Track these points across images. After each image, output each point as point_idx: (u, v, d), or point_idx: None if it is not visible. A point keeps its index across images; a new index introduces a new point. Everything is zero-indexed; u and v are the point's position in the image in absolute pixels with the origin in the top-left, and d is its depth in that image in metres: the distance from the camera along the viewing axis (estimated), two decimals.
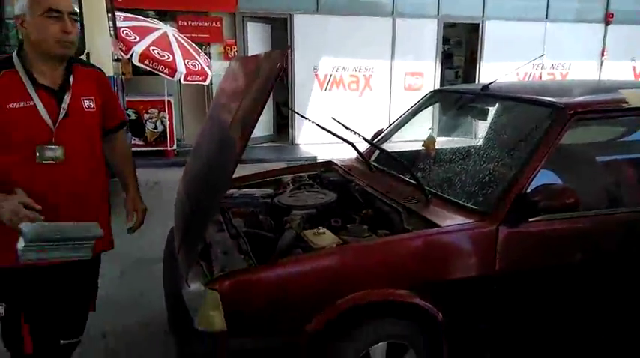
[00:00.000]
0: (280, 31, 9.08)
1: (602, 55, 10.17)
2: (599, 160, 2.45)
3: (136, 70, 7.83)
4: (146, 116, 7.71)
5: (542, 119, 2.18)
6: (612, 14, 9.97)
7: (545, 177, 2.03)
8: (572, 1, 9.99)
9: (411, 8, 9.01)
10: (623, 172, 2.41)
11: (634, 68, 10.47)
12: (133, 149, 7.49)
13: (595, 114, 2.19)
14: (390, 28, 9.02)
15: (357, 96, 9.23)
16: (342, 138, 2.73)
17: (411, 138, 3.11)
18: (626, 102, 2.19)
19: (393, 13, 8.99)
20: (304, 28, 8.70)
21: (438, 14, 9.14)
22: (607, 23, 10.05)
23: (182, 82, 7.16)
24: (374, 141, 2.98)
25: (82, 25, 4.47)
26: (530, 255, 2.00)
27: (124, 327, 2.91)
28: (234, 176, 2.81)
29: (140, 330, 2.88)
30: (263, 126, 8.92)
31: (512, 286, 1.98)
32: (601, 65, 10.24)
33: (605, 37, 10.14)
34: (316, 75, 9.03)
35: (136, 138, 7.57)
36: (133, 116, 7.53)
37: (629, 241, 2.16)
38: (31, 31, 1.68)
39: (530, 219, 1.96)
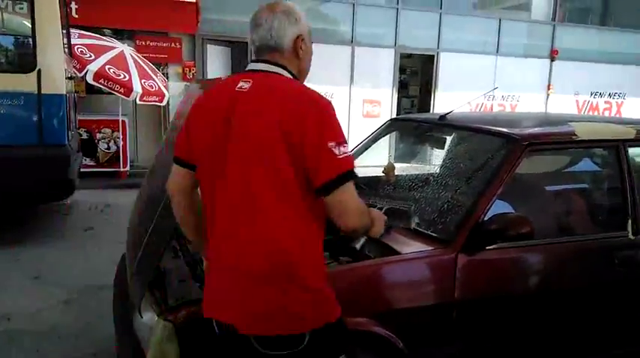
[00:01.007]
0: (240, 54, 9.07)
1: (549, 88, 10.74)
2: (551, 189, 2.54)
3: (90, 89, 7.60)
4: (99, 136, 7.47)
5: (497, 149, 2.24)
6: (557, 51, 10.58)
7: (500, 206, 2.08)
8: (520, 37, 10.56)
9: (370, 38, 9.24)
10: (574, 201, 2.51)
11: (577, 102, 11.09)
12: (84, 170, 7.32)
13: (548, 146, 2.28)
14: (349, 56, 9.21)
15: None
16: None
17: (370, 164, 3.14)
18: (576, 135, 2.29)
19: (352, 41, 9.19)
20: None
21: (395, 44, 9.42)
22: (552, 59, 10.65)
23: (138, 101, 7.01)
24: None
25: (35, 41, 4.31)
26: (487, 283, 2.03)
27: None
28: None
29: None
30: None
31: (471, 313, 1.99)
32: (547, 98, 10.80)
33: (550, 71, 10.72)
34: None
35: (87, 159, 7.29)
36: (85, 135, 7.28)
37: (580, 269, 2.23)
38: (304, 57, 1.49)
39: (487, 248, 2.00)
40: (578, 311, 2.25)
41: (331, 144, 1.27)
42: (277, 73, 1.40)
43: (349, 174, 1.30)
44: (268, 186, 1.31)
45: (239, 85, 1.37)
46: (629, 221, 2.29)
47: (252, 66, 1.44)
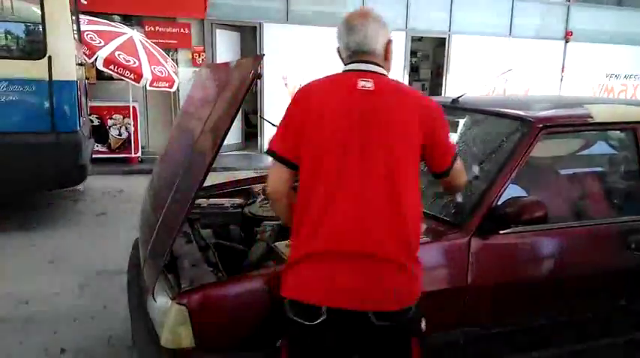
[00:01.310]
0: (250, 38, 9.04)
1: (562, 70, 10.56)
2: (566, 173, 2.51)
3: (100, 75, 7.63)
4: (110, 122, 7.51)
5: (511, 132, 2.21)
6: (571, 32, 10.37)
7: (515, 189, 2.06)
8: (533, 18, 10.35)
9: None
10: (589, 185, 2.47)
11: (592, 84, 10.89)
12: (96, 156, 7.39)
13: (563, 129, 2.24)
14: None
15: None
16: None
17: None
18: (592, 117, 2.25)
19: None
20: (274, 36, 8.69)
21: (406, 27, 9.29)
22: (566, 40, 10.45)
23: (148, 87, 7.02)
24: None
25: (45, 28, 4.31)
26: (500, 267, 2.01)
27: (85, 342, 2.77)
28: (204, 185, 2.76)
29: (101, 346, 2.75)
30: (231, 134, 8.79)
31: (483, 298, 1.98)
32: (561, 81, 10.62)
33: (565, 53, 10.53)
34: (286, 84, 9.01)
35: (99, 145, 7.34)
36: (97, 122, 7.32)
37: (595, 253, 2.21)
38: (391, 59, 1.68)
39: (501, 231, 1.98)
40: (593, 296, 2.23)
41: (448, 136, 1.64)
42: (382, 74, 1.59)
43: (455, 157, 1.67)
44: (409, 171, 1.52)
45: (361, 84, 1.53)
46: None
47: (357, 66, 1.59)
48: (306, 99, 1.58)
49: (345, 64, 1.64)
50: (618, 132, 2.45)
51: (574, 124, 2.28)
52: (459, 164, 1.68)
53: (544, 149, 2.29)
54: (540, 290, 2.11)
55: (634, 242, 2.20)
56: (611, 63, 10.85)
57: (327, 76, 1.65)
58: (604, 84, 11.01)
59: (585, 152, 2.61)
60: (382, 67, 1.61)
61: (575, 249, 2.18)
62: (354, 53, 1.60)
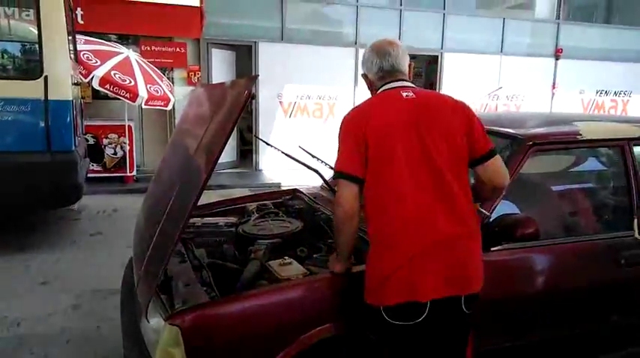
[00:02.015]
0: (245, 57, 9.11)
1: (554, 87, 10.69)
2: (557, 190, 2.53)
3: (96, 94, 7.66)
4: (105, 141, 7.51)
5: (502, 149, 2.24)
6: (561, 49, 10.54)
7: (506, 206, 2.08)
8: (524, 36, 10.51)
9: (374, 39, 9.15)
10: (579, 201, 2.50)
11: (582, 100, 11.03)
12: (91, 175, 7.35)
13: (553, 146, 2.27)
14: (353, 57, 9.22)
15: (321, 124, 9.31)
16: (307, 166, 2.73)
17: None
18: (581, 135, 2.29)
19: (355, 43, 9.21)
20: (269, 55, 8.77)
21: None
22: (557, 57, 10.61)
23: (143, 106, 7.05)
24: None
25: (41, 48, 4.35)
26: (492, 284, 2.01)
27: None
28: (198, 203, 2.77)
29: None
30: (226, 152, 8.70)
31: (476, 313, 1.98)
32: (552, 97, 10.74)
33: (555, 70, 10.68)
34: (280, 102, 9.08)
35: (94, 164, 7.34)
36: (92, 141, 7.32)
37: (587, 269, 2.22)
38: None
39: (492, 249, 1.99)
40: (585, 312, 2.24)
41: (484, 128, 1.82)
42: (415, 87, 1.84)
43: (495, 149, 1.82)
44: (461, 169, 1.74)
45: (405, 94, 1.78)
46: (635, 220, 2.28)
47: (394, 84, 1.84)
48: (365, 118, 1.74)
49: (380, 86, 1.87)
50: (607, 149, 2.48)
51: (564, 141, 2.32)
52: (499, 159, 1.81)
53: (535, 166, 2.32)
54: (533, 307, 2.12)
55: (624, 258, 2.22)
56: (600, 79, 10.99)
57: (372, 98, 1.89)
58: (594, 100, 11.14)
59: (575, 169, 2.64)
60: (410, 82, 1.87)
61: (567, 266, 2.20)
62: (388, 74, 1.85)
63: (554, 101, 10.75)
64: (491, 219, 1.98)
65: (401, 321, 1.65)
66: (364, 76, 1.95)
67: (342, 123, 1.81)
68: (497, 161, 1.80)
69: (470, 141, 1.76)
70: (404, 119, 1.72)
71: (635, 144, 2.38)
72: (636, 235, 2.27)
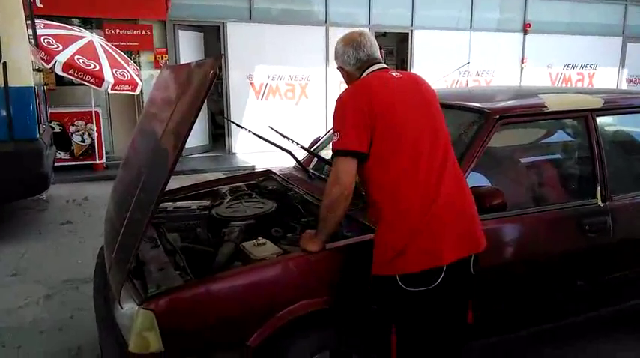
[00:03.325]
0: (213, 39, 8.95)
1: (522, 62, 10.84)
2: (524, 161, 2.58)
3: (60, 80, 7.43)
4: (72, 128, 7.33)
5: (470, 124, 2.27)
6: (529, 24, 10.66)
7: (477, 179, 2.12)
8: (493, 11, 10.58)
9: (343, 17, 9.17)
10: (545, 172, 2.56)
11: (550, 74, 11.23)
12: (59, 164, 7.20)
13: (519, 118, 2.31)
14: (323, 36, 9.14)
15: (293, 105, 9.25)
16: (279, 147, 2.72)
17: None
18: (546, 106, 2.33)
19: (325, 22, 9.12)
20: (238, 36, 8.63)
21: (369, 24, 9.37)
22: (525, 32, 10.73)
23: (110, 91, 6.87)
24: (311, 149, 2.99)
25: None
26: None
27: (52, 355, 2.71)
28: (169, 188, 2.73)
29: (70, 357, 2.69)
30: (198, 136, 8.72)
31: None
32: (521, 72, 10.90)
33: (524, 45, 10.81)
34: (252, 84, 8.97)
35: (62, 152, 7.16)
36: (58, 129, 7.13)
37: (553, 237, 2.29)
38: None
39: None
40: (553, 278, 2.31)
41: None
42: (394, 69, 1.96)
43: None
44: (448, 136, 1.86)
45: (394, 75, 1.90)
46: (598, 188, 2.35)
47: (379, 66, 1.93)
48: (367, 94, 1.79)
49: (360, 74, 1.94)
50: (571, 120, 2.54)
51: (529, 114, 2.36)
52: None
53: (502, 138, 2.36)
54: (504, 276, 2.17)
55: (588, 224, 2.29)
56: (567, 53, 11.19)
57: (366, 78, 1.91)
58: (562, 74, 11.35)
59: (541, 140, 2.70)
60: None
61: (535, 234, 2.26)
62: (367, 62, 1.93)
63: (523, 75, 10.91)
64: None
65: (418, 287, 1.70)
66: (340, 69, 2.00)
67: (341, 103, 1.82)
68: None
69: None
70: (405, 97, 1.83)
71: (598, 115, 2.45)
72: (599, 203, 2.35)
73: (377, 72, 1.91)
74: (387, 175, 1.76)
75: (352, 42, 1.94)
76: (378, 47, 1.98)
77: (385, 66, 1.95)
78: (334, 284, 1.86)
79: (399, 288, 1.71)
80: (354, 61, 1.94)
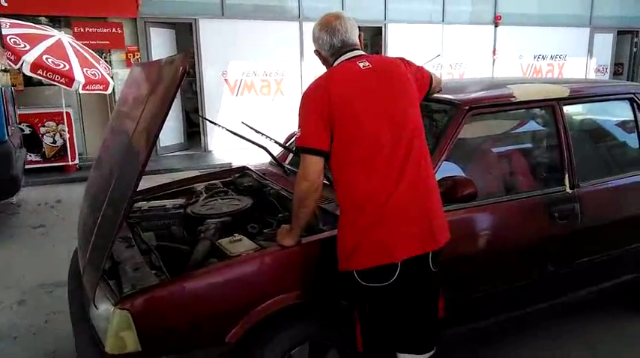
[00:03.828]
0: (186, 35, 8.84)
1: (494, 53, 11.00)
2: (494, 151, 2.63)
3: (29, 81, 7.25)
4: (42, 130, 7.16)
5: (442, 115, 2.31)
6: (500, 16, 10.81)
7: (451, 169, 2.15)
8: (465, 4, 10.69)
9: (317, 12, 9.14)
10: (515, 161, 2.61)
11: (521, 65, 11.42)
12: (30, 166, 7.05)
13: (488, 109, 2.35)
14: (297, 31, 9.11)
15: (269, 101, 9.22)
16: (254, 143, 2.71)
17: None
18: (514, 97, 2.38)
19: (299, 16, 9.09)
20: (211, 32, 8.54)
21: None
22: (496, 25, 10.89)
23: (81, 91, 6.73)
24: (287, 145, 2.99)
25: None
26: None
27: None
28: (143, 188, 2.71)
29: None
30: (173, 134, 8.62)
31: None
32: (493, 63, 11.06)
33: (495, 37, 10.97)
34: (226, 80, 8.90)
35: (32, 154, 6.99)
36: (28, 130, 6.97)
37: (524, 224, 2.34)
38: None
39: None
40: (525, 265, 2.37)
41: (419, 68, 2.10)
42: (367, 54, 1.89)
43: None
44: (419, 125, 1.82)
45: (362, 65, 1.82)
46: (566, 176, 2.41)
47: (349, 54, 1.88)
48: (327, 91, 1.76)
49: (333, 60, 1.90)
50: (539, 109, 2.60)
51: (498, 104, 2.40)
52: (434, 75, 2.17)
53: (473, 129, 2.40)
54: (477, 263, 2.22)
55: (557, 211, 2.35)
56: (538, 45, 11.39)
57: (330, 70, 1.88)
58: (532, 65, 11.56)
59: (511, 130, 2.75)
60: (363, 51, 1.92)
61: (507, 222, 2.31)
62: (341, 48, 1.88)
63: (495, 67, 11.07)
64: None
65: (373, 283, 1.71)
66: (317, 52, 1.96)
67: (303, 98, 1.82)
68: (435, 76, 2.17)
69: (417, 81, 1.97)
70: (366, 89, 1.78)
71: (565, 104, 2.51)
72: (567, 190, 2.41)
73: (345, 62, 1.86)
74: (344, 170, 1.76)
75: (327, 26, 1.89)
76: (356, 31, 1.92)
77: (359, 53, 1.88)
78: (309, 277, 1.87)
79: (358, 284, 1.72)
80: (327, 47, 1.90)
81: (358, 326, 1.80)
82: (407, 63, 1.98)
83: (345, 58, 1.87)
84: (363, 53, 1.89)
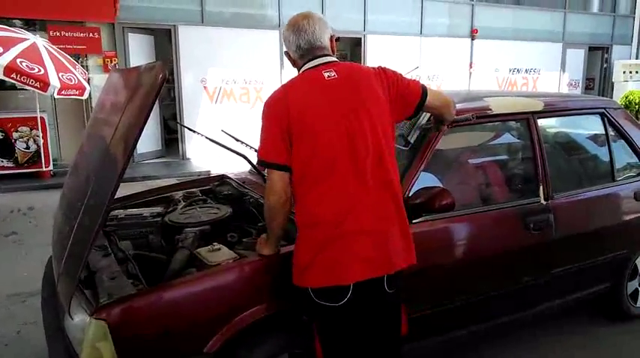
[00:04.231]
0: (164, 42, 8.78)
1: (470, 66, 11.22)
2: (471, 162, 2.68)
3: (2, 85, 7.10)
4: (15, 135, 7.01)
5: None
6: (477, 30, 11.05)
7: (428, 180, 2.18)
8: (442, 17, 10.91)
9: None
10: (491, 172, 2.66)
11: (497, 78, 11.68)
12: (1, 172, 6.89)
13: (465, 121, 2.38)
14: (277, 40, 9.14)
15: (248, 109, 9.20)
16: (233, 151, 2.71)
17: None
18: (490, 109, 2.43)
19: (279, 25, 9.13)
20: (190, 39, 8.50)
21: None
22: (472, 38, 11.12)
23: (56, 96, 6.60)
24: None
25: None
26: (417, 254, 2.12)
27: None
28: (120, 195, 2.67)
29: None
30: (150, 141, 8.52)
31: (402, 289, 2.07)
32: (470, 76, 11.28)
33: (472, 50, 11.20)
34: (205, 87, 8.86)
35: (4, 160, 6.83)
36: (0, 135, 6.80)
37: (500, 235, 2.39)
38: (334, 50, 1.90)
39: (414, 221, 2.08)
40: (501, 275, 2.41)
41: (406, 79, 1.86)
42: (337, 61, 1.79)
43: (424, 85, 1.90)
44: (389, 139, 1.74)
45: (327, 75, 1.72)
46: (541, 187, 2.47)
47: (316, 61, 1.77)
48: (284, 105, 1.70)
49: (302, 64, 1.80)
50: (514, 122, 2.66)
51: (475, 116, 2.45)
52: (433, 91, 1.91)
53: (451, 140, 2.44)
54: (454, 273, 2.25)
55: (532, 222, 2.40)
56: (513, 58, 11.69)
57: (293, 78, 1.81)
58: (508, 78, 11.83)
59: (488, 142, 2.81)
60: (333, 57, 1.81)
61: (483, 232, 2.35)
62: (308, 51, 1.78)
63: (471, 80, 11.29)
64: (411, 194, 2.06)
65: (327, 302, 1.67)
66: (286, 53, 1.87)
67: (264, 109, 1.75)
68: (433, 94, 1.90)
69: (399, 97, 1.80)
70: (328, 103, 1.69)
71: (539, 117, 2.57)
72: (542, 201, 2.47)
73: (309, 71, 1.76)
74: (301, 186, 1.71)
75: (294, 26, 1.78)
76: (326, 33, 1.79)
77: (327, 60, 1.77)
78: (287, 287, 1.87)
79: (313, 301, 1.70)
80: (294, 48, 1.79)
81: (317, 340, 1.78)
82: (383, 72, 1.81)
83: (310, 66, 1.77)
84: (332, 60, 1.78)
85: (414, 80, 1.90)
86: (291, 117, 1.67)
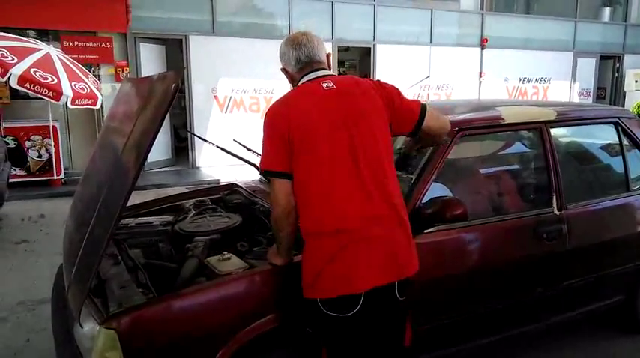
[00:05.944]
0: (176, 52, 8.86)
1: (480, 75, 11.19)
2: (484, 172, 2.66)
3: (15, 94, 7.19)
4: (28, 143, 7.08)
5: None
6: (486, 39, 11.04)
7: (439, 190, 2.17)
8: (452, 27, 10.92)
9: None
10: (504, 182, 2.64)
11: (507, 88, 11.63)
12: (14, 180, 6.96)
13: (477, 130, 2.38)
14: None
15: (258, 118, 9.23)
16: (243, 160, 2.71)
17: None
18: (503, 119, 2.42)
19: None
20: (201, 49, 8.58)
21: (332, 38, 9.50)
22: (482, 47, 11.11)
23: (70, 106, 6.68)
24: None
25: None
26: (427, 265, 2.10)
27: None
28: (130, 204, 2.67)
29: None
30: (160, 150, 8.57)
31: (413, 295, 2.05)
32: (480, 85, 11.25)
33: (481, 59, 11.18)
34: (215, 97, 8.91)
35: (17, 168, 6.89)
36: (13, 144, 6.88)
37: (512, 245, 2.36)
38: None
39: (425, 231, 2.07)
40: (513, 286, 2.38)
41: (406, 98, 1.89)
42: (334, 75, 1.84)
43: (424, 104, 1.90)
44: (388, 149, 1.77)
45: (325, 86, 1.77)
46: (554, 197, 2.44)
47: (314, 74, 1.82)
48: (285, 115, 1.72)
49: (299, 78, 1.85)
50: (527, 131, 2.64)
51: (487, 126, 2.44)
52: (432, 112, 1.89)
53: (462, 150, 2.43)
54: (466, 283, 2.22)
55: (545, 232, 2.37)
56: (523, 68, 11.63)
57: (293, 90, 1.85)
58: (518, 87, 11.78)
59: (499, 151, 2.79)
60: (330, 71, 1.87)
61: (496, 243, 2.32)
62: (306, 64, 1.84)
63: (481, 89, 11.26)
64: (422, 203, 2.05)
65: (337, 313, 1.65)
66: (283, 70, 1.92)
67: (265, 119, 1.77)
68: (432, 115, 1.89)
69: (397, 113, 1.81)
70: (327, 113, 1.71)
71: (552, 126, 2.55)
72: (555, 211, 2.44)
73: (307, 83, 1.80)
74: (304, 196, 1.71)
75: (293, 41, 1.85)
76: (323, 49, 1.87)
77: (324, 73, 1.81)
78: (294, 298, 1.85)
79: (322, 312, 1.68)
80: (294, 62, 1.84)
81: (324, 352, 1.75)
82: (380, 85, 1.84)
83: (309, 78, 1.81)
84: (330, 73, 1.83)
85: (413, 100, 1.92)
86: (292, 128, 1.69)
